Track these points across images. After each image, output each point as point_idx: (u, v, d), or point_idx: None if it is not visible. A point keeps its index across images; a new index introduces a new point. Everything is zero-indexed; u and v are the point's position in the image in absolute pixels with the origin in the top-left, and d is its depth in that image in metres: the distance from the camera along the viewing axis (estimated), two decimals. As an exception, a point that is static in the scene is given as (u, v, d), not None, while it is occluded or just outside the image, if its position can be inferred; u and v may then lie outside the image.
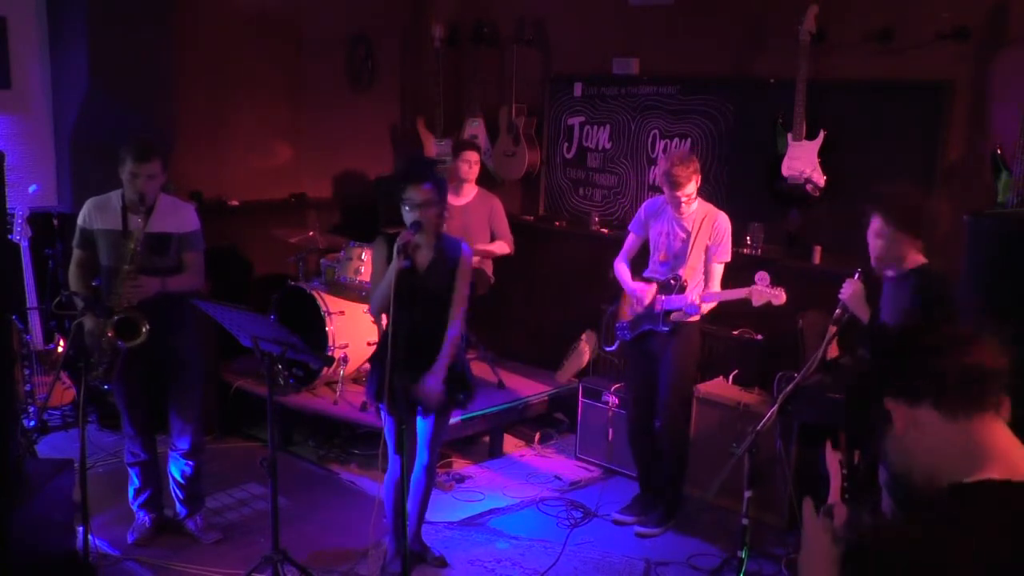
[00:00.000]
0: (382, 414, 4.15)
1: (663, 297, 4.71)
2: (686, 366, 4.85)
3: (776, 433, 4.82)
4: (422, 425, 4.19)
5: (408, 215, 3.95)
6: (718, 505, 5.01)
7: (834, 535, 1.89)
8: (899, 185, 4.02)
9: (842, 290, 3.86)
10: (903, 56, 5.03)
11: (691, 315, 4.69)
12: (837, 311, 3.87)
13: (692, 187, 4.60)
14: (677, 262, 4.73)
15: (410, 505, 4.30)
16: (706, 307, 4.70)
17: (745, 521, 3.89)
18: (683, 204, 4.63)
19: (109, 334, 4.13)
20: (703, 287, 4.71)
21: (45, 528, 4.00)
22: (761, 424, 3.87)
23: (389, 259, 3.93)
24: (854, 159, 5.25)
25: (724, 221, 4.71)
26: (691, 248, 4.70)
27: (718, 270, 4.71)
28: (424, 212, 3.93)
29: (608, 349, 5.20)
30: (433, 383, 4.02)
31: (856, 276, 3.85)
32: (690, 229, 4.70)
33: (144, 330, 4.15)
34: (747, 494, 3.88)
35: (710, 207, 4.76)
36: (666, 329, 4.72)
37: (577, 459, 5.72)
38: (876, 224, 3.73)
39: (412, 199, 3.93)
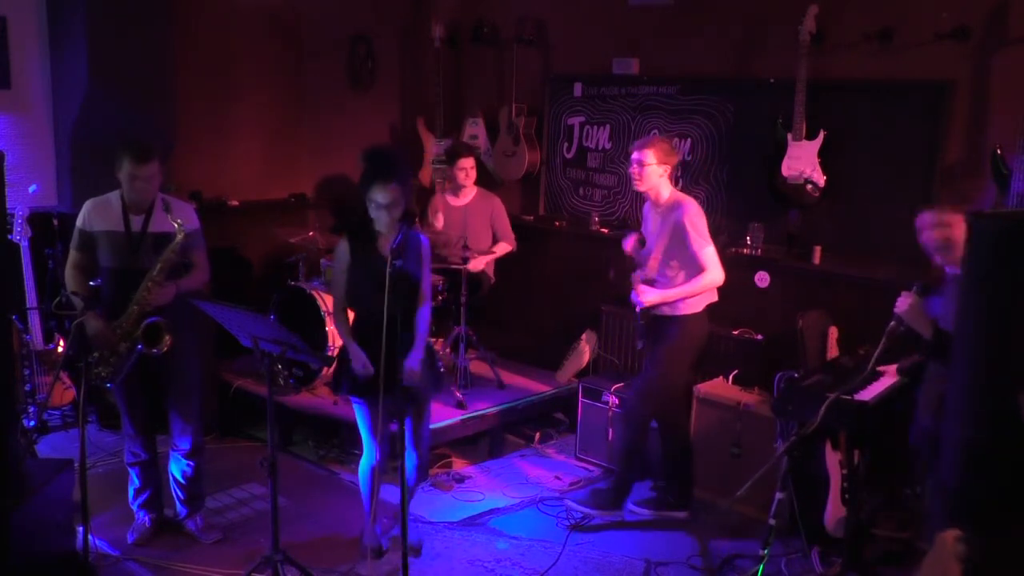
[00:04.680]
0: (354, 403, 4.24)
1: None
2: (667, 358, 4.81)
3: (776, 433, 4.83)
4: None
5: (375, 212, 4.05)
6: (715, 504, 5.02)
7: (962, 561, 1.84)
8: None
9: (897, 304, 3.83)
10: (903, 56, 5.03)
11: (637, 308, 4.75)
12: (892, 324, 3.85)
13: (646, 158, 4.61)
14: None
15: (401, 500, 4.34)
16: (649, 300, 4.68)
17: (772, 522, 3.88)
18: (635, 180, 4.70)
19: (140, 345, 4.17)
20: (682, 279, 4.67)
21: (45, 528, 3.99)
22: (807, 428, 3.83)
23: (353, 257, 4.14)
24: (854, 159, 5.25)
25: (684, 209, 4.63)
26: (657, 239, 4.73)
27: (703, 256, 4.61)
28: (391, 211, 4.01)
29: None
30: (414, 362, 4.14)
31: (913, 289, 3.82)
32: (661, 220, 4.73)
33: (166, 339, 4.19)
34: (778, 495, 3.87)
35: (678, 197, 4.73)
36: (641, 323, 4.81)
37: (577, 459, 5.72)
38: (927, 217, 3.75)
39: (378, 200, 4.01)
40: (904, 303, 3.81)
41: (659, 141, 4.73)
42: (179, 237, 4.20)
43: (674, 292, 4.69)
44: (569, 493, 5.10)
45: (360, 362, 4.10)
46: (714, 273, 4.63)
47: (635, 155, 4.69)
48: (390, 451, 4.37)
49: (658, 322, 4.78)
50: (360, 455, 4.52)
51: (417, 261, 4.21)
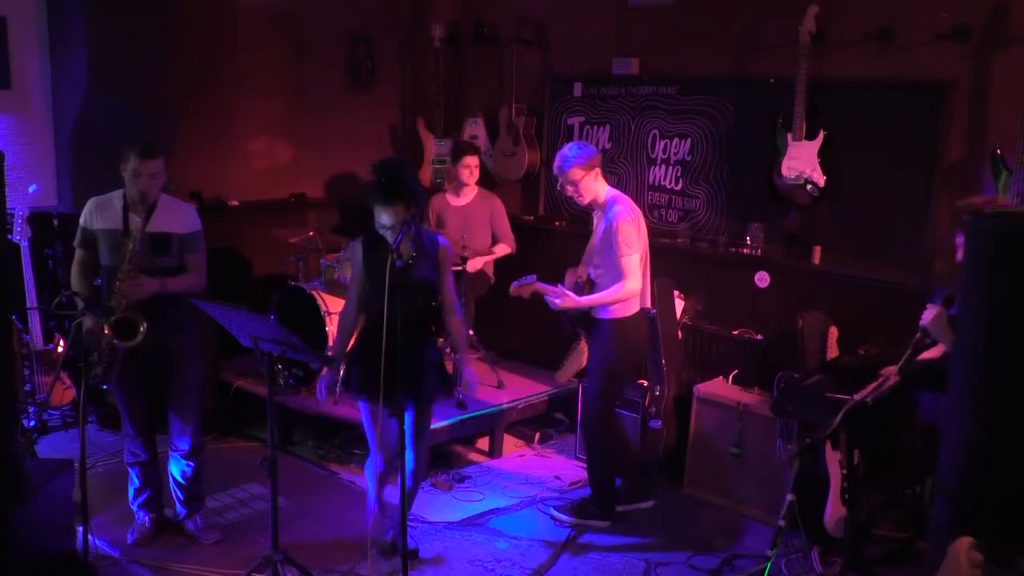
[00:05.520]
0: (360, 403, 4.23)
1: None
2: (594, 364, 4.88)
3: (776, 433, 4.83)
4: (408, 419, 4.27)
5: (379, 227, 4.03)
6: (716, 504, 5.03)
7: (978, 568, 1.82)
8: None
9: (923, 316, 3.86)
10: (903, 56, 5.03)
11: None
12: (917, 335, 3.87)
13: (573, 176, 4.61)
14: None
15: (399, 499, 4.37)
16: (560, 305, 4.67)
17: (781, 523, 3.88)
18: (578, 200, 4.74)
19: (106, 333, 4.13)
20: (607, 283, 4.65)
21: (45, 528, 4.00)
22: (822, 433, 3.84)
23: (366, 260, 4.09)
24: (854, 159, 5.25)
25: (616, 213, 4.61)
26: (594, 238, 4.74)
27: (623, 264, 4.56)
28: (394, 230, 3.98)
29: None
30: (471, 369, 4.32)
31: (938, 301, 3.85)
32: (598, 220, 4.75)
33: (141, 330, 4.15)
34: (789, 497, 3.87)
35: (614, 197, 4.70)
36: (567, 325, 4.91)
37: (577, 459, 5.72)
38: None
39: (382, 221, 3.99)
40: (929, 315, 3.83)
41: (571, 155, 4.64)
42: (136, 234, 4.16)
43: (587, 300, 4.68)
44: (553, 502, 5.10)
45: (324, 384, 4.19)
46: (630, 283, 4.58)
47: (561, 180, 4.68)
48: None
49: (592, 324, 4.79)
50: (359, 454, 4.56)
51: (432, 266, 4.17)
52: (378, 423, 4.20)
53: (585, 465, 5.54)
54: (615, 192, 4.75)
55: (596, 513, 4.90)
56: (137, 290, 4.17)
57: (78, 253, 4.35)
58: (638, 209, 4.76)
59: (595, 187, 4.67)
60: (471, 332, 5.95)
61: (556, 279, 4.84)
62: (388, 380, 3.91)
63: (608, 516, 4.90)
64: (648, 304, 4.85)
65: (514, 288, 4.83)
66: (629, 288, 4.59)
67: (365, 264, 4.13)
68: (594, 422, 4.95)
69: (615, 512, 4.93)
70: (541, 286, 4.77)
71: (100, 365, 4.26)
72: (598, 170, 4.66)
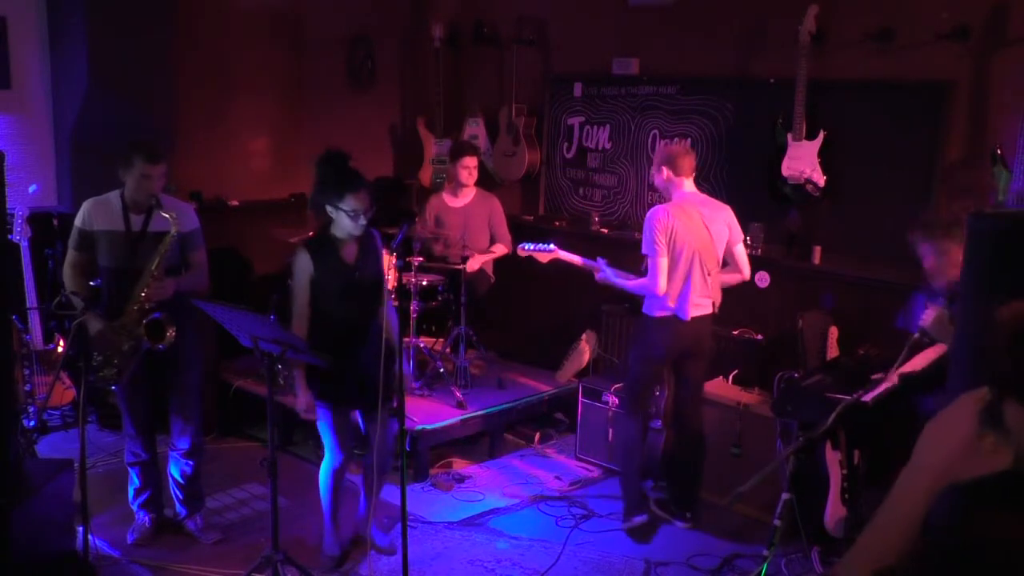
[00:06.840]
0: (320, 407, 4.20)
1: None
2: (630, 357, 4.91)
3: (776, 433, 4.83)
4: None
5: (347, 220, 4.00)
6: (716, 505, 5.02)
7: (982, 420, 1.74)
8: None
9: (923, 317, 3.86)
10: (903, 56, 5.03)
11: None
12: (915, 335, 3.87)
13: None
14: None
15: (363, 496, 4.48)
16: (599, 278, 4.76)
17: (777, 522, 3.88)
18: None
19: (144, 336, 4.18)
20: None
21: (45, 528, 3.99)
22: (816, 432, 3.84)
23: (317, 268, 4.05)
24: (854, 159, 5.25)
25: (649, 213, 4.65)
26: None
27: (649, 263, 4.60)
28: (366, 215, 4.01)
29: None
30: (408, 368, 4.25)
31: (938, 301, 3.85)
32: None
33: (169, 335, 4.19)
34: (784, 496, 3.87)
35: (675, 197, 4.71)
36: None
37: (577, 459, 5.72)
38: (924, 246, 3.85)
39: (354, 208, 3.98)
40: (930, 316, 3.82)
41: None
42: (174, 230, 4.20)
43: (618, 281, 4.74)
44: (554, 502, 5.08)
45: (305, 403, 4.11)
46: (650, 281, 4.57)
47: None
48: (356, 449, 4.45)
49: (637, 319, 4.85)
50: (360, 454, 4.54)
51: (377, 260, 4.22)
52: (342, 427, 4.22)
53: (586, 464, 5.57)
54: (682, 193, 4.66)
55: (627, 511, 4.86)
56: (161, 292, 4.21)
57: (72, 254, 4.34)
58: (687, 215, 4.59)
59: (659, 183, 4.74)
60: (471, 332, 5.95)
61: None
62: (385, 384, 3.94)
63: (642, 511, 4.86)
64: (686, 315, 4.66)
65: (526, 250, 4.81)
66: (646, 284, 4.60)
67: (317, 271, 4.07)
68: (621, 414, 4.96)
69: (647, 507, 4.94)
70: (566, 256, 4.76)
71: (113, 367, 4.27)
72: (667, 168, 4.66)
